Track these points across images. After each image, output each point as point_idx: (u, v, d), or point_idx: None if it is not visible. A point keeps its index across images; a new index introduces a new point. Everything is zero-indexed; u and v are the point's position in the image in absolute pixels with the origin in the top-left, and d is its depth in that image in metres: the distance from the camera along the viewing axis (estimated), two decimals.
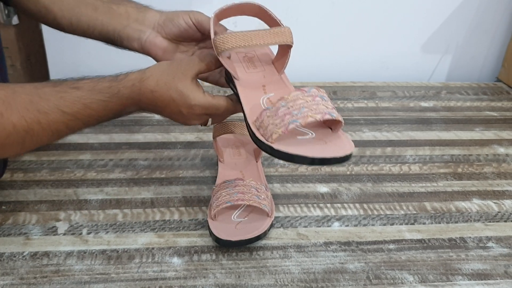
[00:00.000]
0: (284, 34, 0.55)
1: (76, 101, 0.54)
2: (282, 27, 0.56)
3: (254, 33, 0.54)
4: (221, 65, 0.58)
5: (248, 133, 0.67)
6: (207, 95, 0.57)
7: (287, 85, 0.58)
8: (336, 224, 0.68)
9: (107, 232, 0.65)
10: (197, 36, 0.66)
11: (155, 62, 0.69)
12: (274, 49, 0.62)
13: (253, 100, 0.56)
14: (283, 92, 0.56)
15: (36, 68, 1.11)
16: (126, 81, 0.56)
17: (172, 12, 0.66)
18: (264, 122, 0.51)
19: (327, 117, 0.49)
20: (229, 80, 0.62)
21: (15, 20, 1.02)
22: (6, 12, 1.00)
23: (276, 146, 0.49)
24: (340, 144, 0.51)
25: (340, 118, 0.50)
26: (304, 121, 0.48)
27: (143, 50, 0.66)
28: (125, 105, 0.57)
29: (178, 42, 0.66)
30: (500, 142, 0.89)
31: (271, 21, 0.59)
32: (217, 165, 0.74)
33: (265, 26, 0.60)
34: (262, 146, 0.51)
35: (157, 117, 0.91)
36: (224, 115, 0.61)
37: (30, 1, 0.67)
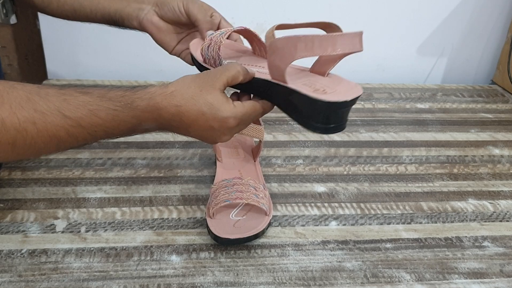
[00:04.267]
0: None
1: (81, 106, 0.49)
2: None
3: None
4: (251, 77, 0.56)
5: (247, 133, 0.68)
6: (238, 105, 0.54)
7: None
8: (334, 223, 0.68)
9: (106, 230, 0.65)
10: (189, 23, 0.65)
11: (159, 47, 0.69)
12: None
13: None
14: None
15: (33, 67, 1.11)
16: (144, 92, 0.51)
17: None
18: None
19: None
20: (194, 62, 0.64)
21: (13, 19, 1.02)
22: (4, 11, 1.00)
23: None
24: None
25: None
26: None
27: (141, 28, 0.67)
28: (139, 118, 0.51)
29: (172, 24, 0.67)
30: (495, 143, 0.90)
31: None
32: (215, 164, 0.74)
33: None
34: None
35: None
36: (253, 120, 0.58)
37: None
